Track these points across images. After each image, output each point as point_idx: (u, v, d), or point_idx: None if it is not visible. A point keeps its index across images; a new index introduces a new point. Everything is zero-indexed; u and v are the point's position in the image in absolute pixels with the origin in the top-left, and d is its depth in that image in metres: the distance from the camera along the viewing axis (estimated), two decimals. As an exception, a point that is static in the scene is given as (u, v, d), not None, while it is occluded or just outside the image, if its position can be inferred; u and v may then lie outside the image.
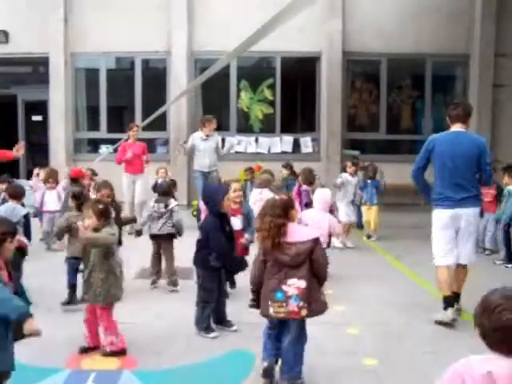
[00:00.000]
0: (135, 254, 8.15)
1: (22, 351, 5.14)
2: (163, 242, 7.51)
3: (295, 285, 4.36)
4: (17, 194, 7.34)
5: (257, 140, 15.05)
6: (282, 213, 4.48)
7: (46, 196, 10.01)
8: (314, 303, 4.41)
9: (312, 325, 4.65)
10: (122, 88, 15.80)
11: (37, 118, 16.44)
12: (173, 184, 9.88)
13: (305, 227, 4.81)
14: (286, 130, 15.18)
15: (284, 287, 4.37)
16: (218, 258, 5.65)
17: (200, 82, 11.02)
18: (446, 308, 6.10)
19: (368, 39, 14.63)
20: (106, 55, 15.17)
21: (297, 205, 8.02)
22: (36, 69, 16.21)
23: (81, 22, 14.70)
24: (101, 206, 5.25)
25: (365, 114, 15.55)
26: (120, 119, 16.25)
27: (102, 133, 15.32)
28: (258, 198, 8.26)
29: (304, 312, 4.37)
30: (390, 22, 14.61)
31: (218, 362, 5.11)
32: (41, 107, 15.83)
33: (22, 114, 16.05)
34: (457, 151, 6.21)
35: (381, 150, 15.15)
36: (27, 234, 7.44)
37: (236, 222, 6.63)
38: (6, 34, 14.80)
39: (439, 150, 6.32)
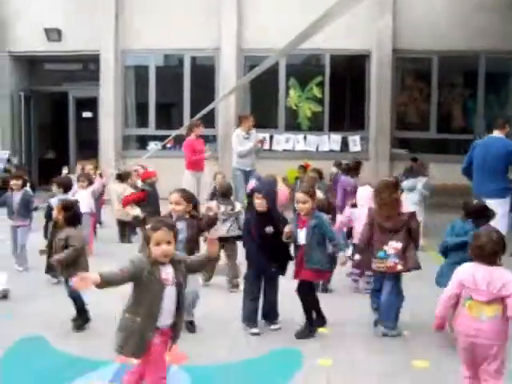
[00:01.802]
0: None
1: (75, 345, 5.26)
2: (228, 244, 7.24)
3: (393, 245, 5.48)
4: (64, 185, 7.89)
5: (305, 138, 14.98)
6: (394, 190, 5.63)
7: (77, 196, 8.40)
8: (410, 260, 5.49)
9: (359, 324, 4.57)
10: (170, 85, 15.92)
11: (87, 114, 16.72)
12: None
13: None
14: (334, 128, 15.05)
15: (385, 247, 5.49)
16: (247, 257, 5.88)
17: (249, 80, 10.98)
18: None
19: (419, 36, 14.35)
20: (155, 53, 15.31)
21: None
22: (86, 66, 16.51)
23: (131, 20, 14.88)
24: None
25: (415, 112, 15.31)
26: (168, 116, 16.43)
27: (151, 129, 15.47)
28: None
29: (399, 267, 5.48)
30: (441, 18, 14.28)
31: (266, 360, 5.09)
32: (91, 104, 16.09)
33: (73, 110, 16.35)
34: (490, 151, 7.88)
35: (430, 150, 14.87)
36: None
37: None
38: (58, 32, 15.07)
39: (477, 150, 8.05)
